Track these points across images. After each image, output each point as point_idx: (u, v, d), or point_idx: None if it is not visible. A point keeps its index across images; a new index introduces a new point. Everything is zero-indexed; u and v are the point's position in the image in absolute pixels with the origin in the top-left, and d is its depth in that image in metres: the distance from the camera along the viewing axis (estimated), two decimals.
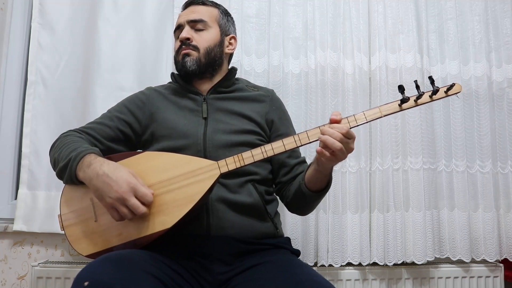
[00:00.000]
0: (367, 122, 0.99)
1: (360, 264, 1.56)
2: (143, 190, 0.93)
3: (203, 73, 1.19)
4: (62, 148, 1.05)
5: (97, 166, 0.96)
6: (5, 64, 1.67)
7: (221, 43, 1.22)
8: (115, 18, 1.59)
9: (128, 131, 1.17)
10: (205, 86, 1.21)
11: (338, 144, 0.93)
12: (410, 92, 1.00)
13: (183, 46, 1.18)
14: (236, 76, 1.28)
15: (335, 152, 0.94)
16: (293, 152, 1.22)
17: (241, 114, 1.17)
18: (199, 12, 1.21)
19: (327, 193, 1.19)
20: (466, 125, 1.66)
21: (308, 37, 1.63)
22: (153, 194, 0.95)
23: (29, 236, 1.60)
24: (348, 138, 0.94)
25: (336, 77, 1.61)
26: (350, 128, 0.97)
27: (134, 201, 0.91)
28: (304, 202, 1.15)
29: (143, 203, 0.92)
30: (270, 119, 1.22)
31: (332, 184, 1.53)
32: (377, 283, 1.57)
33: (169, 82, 1.29)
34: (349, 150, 0.96)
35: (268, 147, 0.98)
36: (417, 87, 0.97)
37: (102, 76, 1.55)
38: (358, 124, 0.98)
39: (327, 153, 0.95)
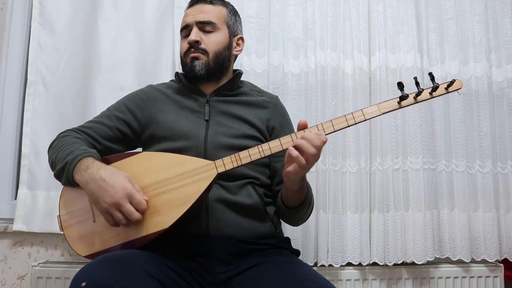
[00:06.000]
0: (365, 120, 0.98)
1: (360, 264, 1.55)
2: (138, 197, 0.93)
3: (211, 77, 1.17)
4: (60, 150, 1.05)
5: (94, 170, 0.96)
6: (5, 64, 1.67)
7: (229, 46, 1.20)
8: (115, 18, 1.59)
9: (127, 130, 1.17)
10: (210, 88, 1.19)
11: (315, 144, 0.92)
12: (410, 90, 0.99)
13: (192, 49, 1.15)
14: (241, 79, 1.26)
15: (307, 156, 0.92)
16: None
17: (243, 118, 1.16)
18: (207, 12, 1.17)
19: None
20: (466, 125, 1.66)
21: (308, 37, 1.63)
22: (148, 200, 0.94)
23: (29, 236, 1.60)
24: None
25: (336, 77, 1.61)
26: (348, 126, 0.97)
27: (129, 207, 0.92)
28: (287, 217, 1.16)
29: (137, 210, 0.93)
30: (271, 126, 1.21)
31: (332, 184, 1.56)
32: (377, 283, 1.57)
33: (171, 81, 1.28)
34: (315, 157, 0.94)
35: (265, 146, 0.98)
36: (417, 83, 0.96)
37: (102, 76, 1.55)
38: (357, 122, 0.97)
39: (294, 153, 0.93)
